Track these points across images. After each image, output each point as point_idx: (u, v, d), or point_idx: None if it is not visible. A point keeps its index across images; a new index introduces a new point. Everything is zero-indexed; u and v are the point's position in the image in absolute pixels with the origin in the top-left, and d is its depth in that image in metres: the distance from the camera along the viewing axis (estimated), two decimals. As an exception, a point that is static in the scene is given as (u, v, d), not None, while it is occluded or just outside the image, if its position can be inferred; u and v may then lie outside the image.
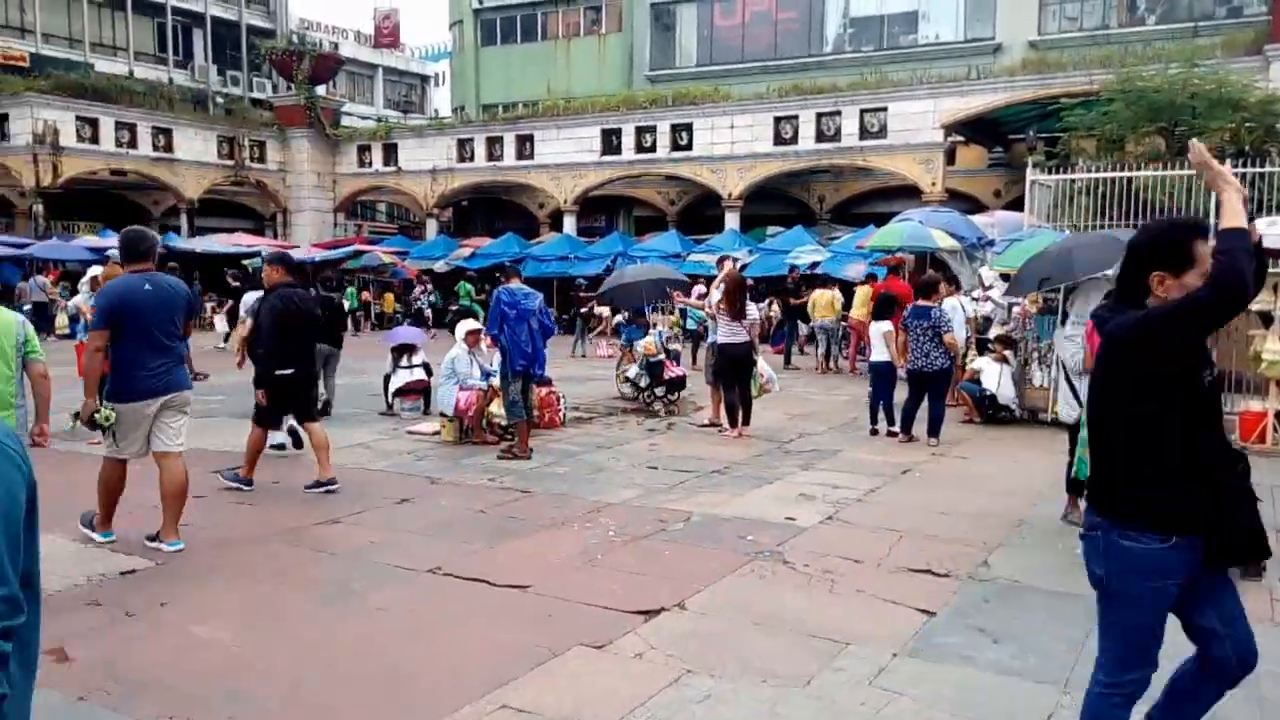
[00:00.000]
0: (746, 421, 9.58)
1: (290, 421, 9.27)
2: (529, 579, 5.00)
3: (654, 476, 7.63)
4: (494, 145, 30.25)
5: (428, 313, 26.64)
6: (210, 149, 31.15)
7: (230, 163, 31.55)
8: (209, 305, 26.84)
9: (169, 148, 29.96)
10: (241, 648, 4.11)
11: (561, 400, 10.19)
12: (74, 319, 10.87)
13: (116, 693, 3.63)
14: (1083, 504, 6.04)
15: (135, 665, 3.89)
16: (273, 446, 8.97)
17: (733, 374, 9.53)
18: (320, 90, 34.06)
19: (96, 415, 5.28)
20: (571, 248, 26.94)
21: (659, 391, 11.30)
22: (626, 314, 14.87)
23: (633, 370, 11.36)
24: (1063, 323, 6.36)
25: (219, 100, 38.55)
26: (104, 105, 28.52)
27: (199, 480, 7.20)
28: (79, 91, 28.34)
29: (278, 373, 6.90)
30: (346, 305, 22.69)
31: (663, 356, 11.36)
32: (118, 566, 5.18)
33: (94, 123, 28.07)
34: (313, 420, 7.19)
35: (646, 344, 11.48)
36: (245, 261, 27.05)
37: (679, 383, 11.41)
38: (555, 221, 31.12)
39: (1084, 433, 5.39)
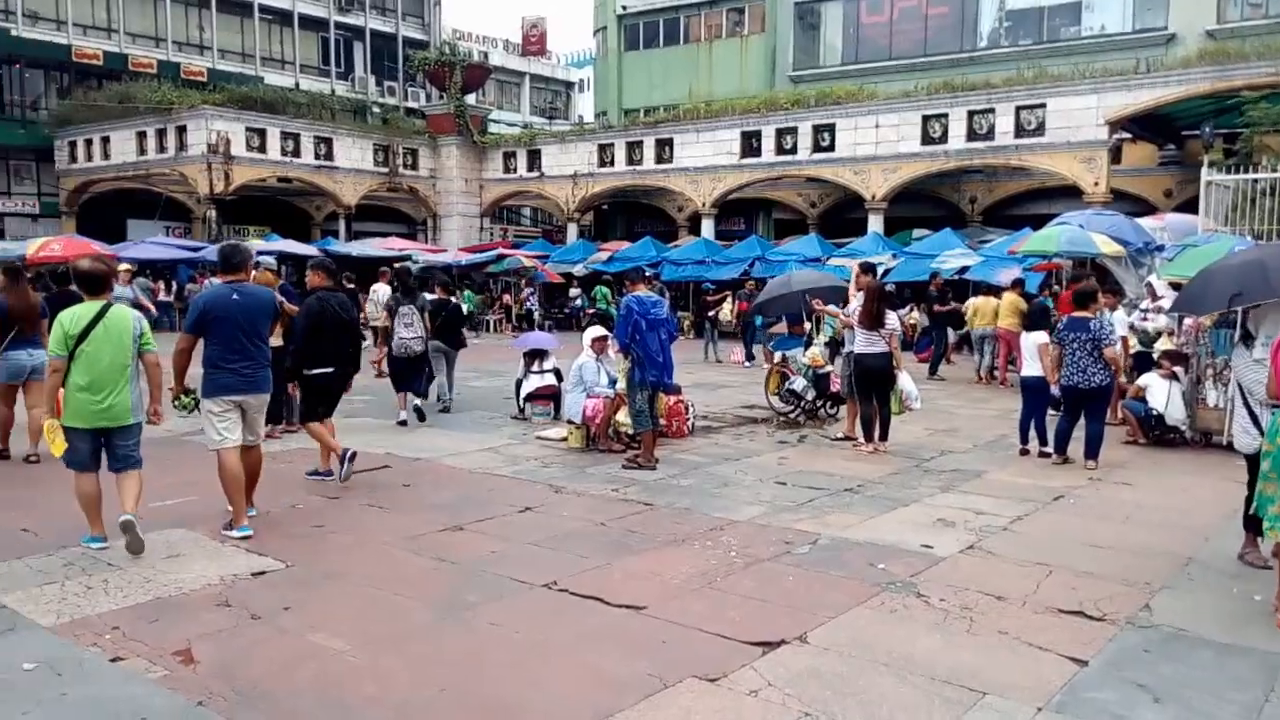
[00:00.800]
0: (884, 437, 9.14)
1: (414, 400, 10.27)
2: (645, 600, 4.84)
3: (781, 493, 7.35)
4: (634, 149, 30.41)
5: (536, 314, 27.16)
6: (367, 157, 32.63)
7: (385, 170, 32.95)
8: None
9: (329, 156, 31.55)
10: (355, 659, 4.12)
11: (690, 409, 10.02)
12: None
13: (232, 700, 3.68)
14: (1263, 543, 5.42)
15: (253, 672, 3.94)
16: (398, 423, 10.14)
17: (869, 386, 9.11)
18: (470, 99, 35.12)
19: (176, 402, 6.10)
20: (709, 251, 26.76)
21: (819, 404, 10.89)
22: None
23: (799, 383, 10.75)
24: (1245, 343, 5.65)
25: (376, 110, 40.37)
26: (271, 116, 30.32)
27: (334, 483, 7.43)
28: (249, 104, 30.24)
29: (317, 370, 7.35)
30: (465, 308, 23.57)
31: (830, 368, 10.82)
32: (250, 567, 5.33)
33: (262, 133, 29.86)
34: (328, 417, 7.56)
35: (814, 355, 10.99)
36: (397, 265, 28.14)
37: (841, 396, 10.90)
38: (693, 225, 31.04)
39: (1265, 465, 4.80)
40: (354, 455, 7.31)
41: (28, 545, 5.64)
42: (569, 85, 57.03)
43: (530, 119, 49.74)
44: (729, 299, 20.38)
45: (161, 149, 29.94)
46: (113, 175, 31.84)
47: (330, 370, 7.36)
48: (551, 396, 10.70)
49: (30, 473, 7.66)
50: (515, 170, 33.59)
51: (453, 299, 11.82)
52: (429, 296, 10.99)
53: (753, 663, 4.09)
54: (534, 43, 54.28)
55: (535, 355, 10.96)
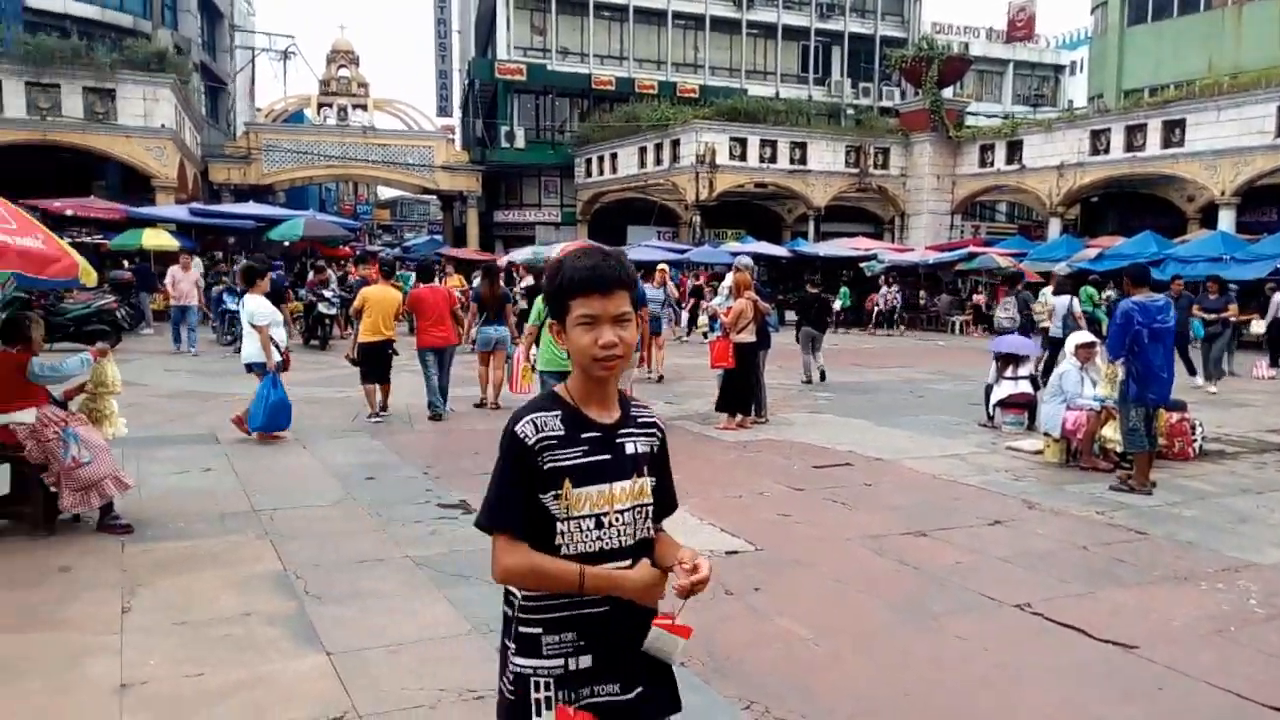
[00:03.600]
0: None
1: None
2: (1135, 638, 4.33)
3: (1322, 538, 6.09)
4: (1134, 134, 27.17)
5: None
6: (839, 159, 33.21)
7: (855, 171, 33.26)
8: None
9: (803, 160, 32.67)
10: (819, 647, 4.23)
11: (1196, 429, 8.71)
12: (712, 319, 12.49)
13: (709, 665, 3.99)
14: None
15: (726, 643, 4.24)
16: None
17: None
18: (946, 93, 34.09)
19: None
20: (1227, 247, 22.94)
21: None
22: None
23: None
24: None
25: (849, 112, 40.91)
26: (752, 126, 32.21)
27: (799, 475, 7.70)
28: (733, 115, 32.43)
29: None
30: (838, 304, 25.37)
31: None
32: (724, 545, 5.72)
33: (743, 141, 31.85)
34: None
35: None
36: (863, 265, 28.32)
37: None
38: (1206, 217, 26.91)
39: None
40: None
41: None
42: (1058, 69, 52.64)
43: (1012, 109, 46.79)
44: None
45: (658, 162, 33.31)
46: (618, 187, 36.15)
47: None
48: (1026, 405, 9.99)
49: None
50: (992, 164, 31.89)
51: (820, 291, 14.36)
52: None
53: (1277, 734, 3.46)
54: (1020, 27, 51.04)
55: (1009, 360, 10.32)
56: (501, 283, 11.91)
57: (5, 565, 5.08)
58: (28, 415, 5.56)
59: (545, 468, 1.85)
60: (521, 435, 1.86)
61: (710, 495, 6.96)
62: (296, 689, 3.69)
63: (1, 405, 5.58)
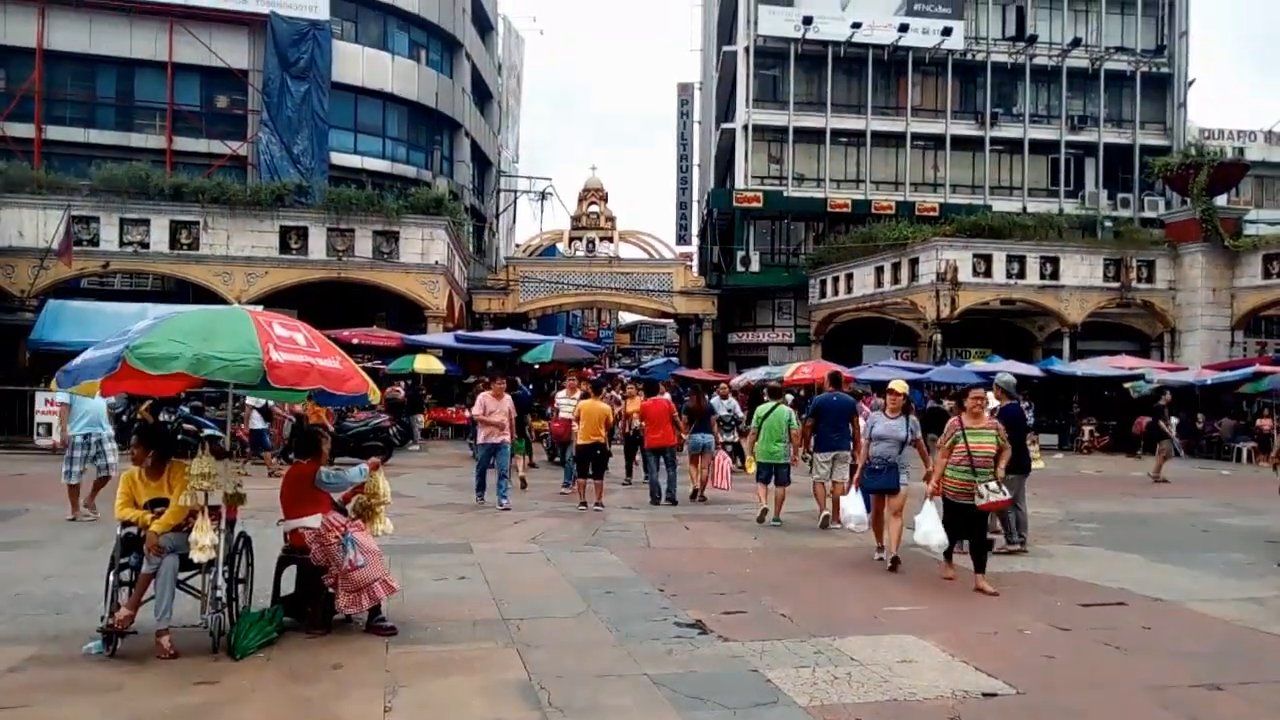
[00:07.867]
0: None
1: None
2: None
3: None
4: None
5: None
6: (1096, 273, 31.22)
7: (1115, 285, 31.08)
8: (1088, 429, 26.53)
9: (1055, 275, 30.98)
10: (1095, 811, 3.76)
11: None
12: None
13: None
14: None
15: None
16: None
17: None
18: (1219, 200, 31.44)
19: (802, 456, 11.73)
20: None
21: None
22: None
23: None
24: None
25: (1107, 224, 38.59)
26: (997, 241, 31.03)
27: (1063, 613, 7.03)
28: (976, 231, 31.43)
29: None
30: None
31: None
32: (980, 686, 5.27)
33: (987, 258, 30.70)
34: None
35: None
36: (1127, 385, 26.13)
37: None
38: None
39: None
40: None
41: (785, 629, 6.44)
42: (1355, 170, 47.25)
43: (1295, 214, 42.36)
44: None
45: (895, 281, 32.75)
46: (853, 307, 35.78)
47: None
48: (1341, 545, 8.69)
49: (799, 561, 8.79)
50: (1279, 275, 28.76)
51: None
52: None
53: None
54: (1307, 127, 46.57)
55: (1316, 492, 9.06)
56: (706, 398, 14.38)
57: (288, 660, 5.56)
58: (314, 520, 6.17)
59: None
60: None
61: (961, 630, 6.48)
62: (539, 801, 3.72)
63: (294, 511, 6.24)
